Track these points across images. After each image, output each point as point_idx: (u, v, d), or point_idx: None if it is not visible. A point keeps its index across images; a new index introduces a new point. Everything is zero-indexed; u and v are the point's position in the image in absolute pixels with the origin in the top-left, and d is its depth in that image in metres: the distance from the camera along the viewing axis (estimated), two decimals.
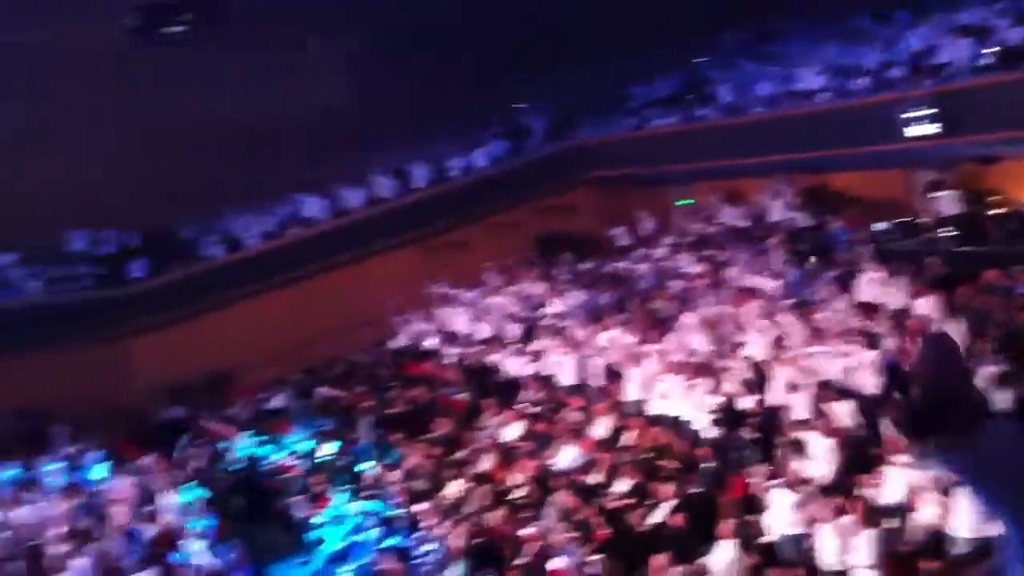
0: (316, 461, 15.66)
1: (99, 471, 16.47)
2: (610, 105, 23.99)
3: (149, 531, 13.32)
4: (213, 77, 21.76)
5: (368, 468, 14.64)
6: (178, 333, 21.45)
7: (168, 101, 21.63)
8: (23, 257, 22.26)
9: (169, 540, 13.10)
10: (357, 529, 13.10)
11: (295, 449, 16.38)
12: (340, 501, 13.93)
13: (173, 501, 14.25)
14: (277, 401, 19.17)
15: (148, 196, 21.56)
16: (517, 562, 11.10)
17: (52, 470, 16.56)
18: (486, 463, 13.51)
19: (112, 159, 21.57)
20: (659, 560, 10.14)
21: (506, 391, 16.03)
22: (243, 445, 17.07)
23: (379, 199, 23.96)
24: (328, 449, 15.83)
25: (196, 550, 12.61)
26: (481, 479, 13.05)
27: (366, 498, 13.83)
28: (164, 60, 21.60)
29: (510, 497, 12.50)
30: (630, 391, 14.21)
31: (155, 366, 20.79)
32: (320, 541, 13.45)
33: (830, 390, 11.73)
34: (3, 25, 19.57)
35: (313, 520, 14.01)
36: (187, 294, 21.86)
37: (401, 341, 20.51)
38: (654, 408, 13.65)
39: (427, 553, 11.82)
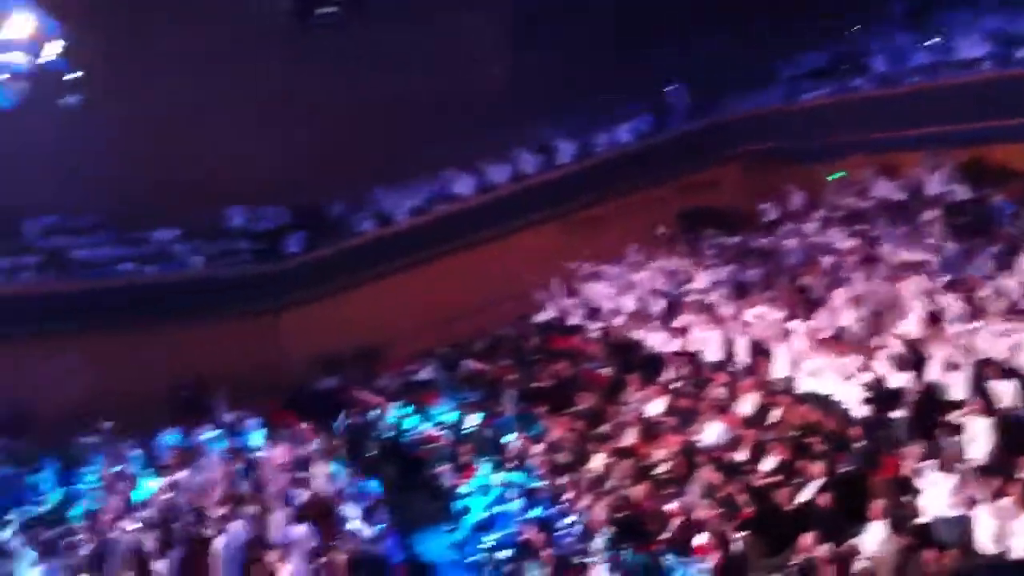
0: (462, 432, 15.94)
1: (256, 438, 17.15)
2: (758, 78, 23.47)
3: (302, 496, 13.79)
4: (366, 56, 22.27)
5: (512, 440, 14.82)
6: (331, 306, 22.18)
7: (324, 81, 22.26)
8: (185, 233, 23.35)
9: (321, 505, 13.55)
10: (501, 499, 13.30)
11: (441, 420, 16.72)
12: (485, 472, 14.16)
13: (326, 468, 14.72)
14: (424, 373, 19.59)
15: (303, 173, 22.24)
16: (660, 537, 11.09)
17: (212, 436, 17.36)
18: (629, 437, 13.51)
19: (270, 137, 22.31)
20: (806, 539, 9.97)
21: (649, 366, 15.96)
22: (392, 415, 17.52)
23: (524, 175, 24.10)
24: (473, 421, 16.10)
25: (350, 515, 12.98)
26: (624, 453, 13.07)
27: (510, 469, 14.02)
28: (320, 40, 22.19)
29: (654, 472, 12.48)
30: (778, 368, 13.97)
31: (309, 337, 21.56)
32: (466, 510, 13.71)
33: (992, 368, 11.26)
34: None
35: (459, 489, 14.30)
36: (339, 269, 22.56)
37: (545, 316, 20.64)
38: (802, 386, 13.38)
39: (570, 525, 11.91)
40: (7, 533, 13.83)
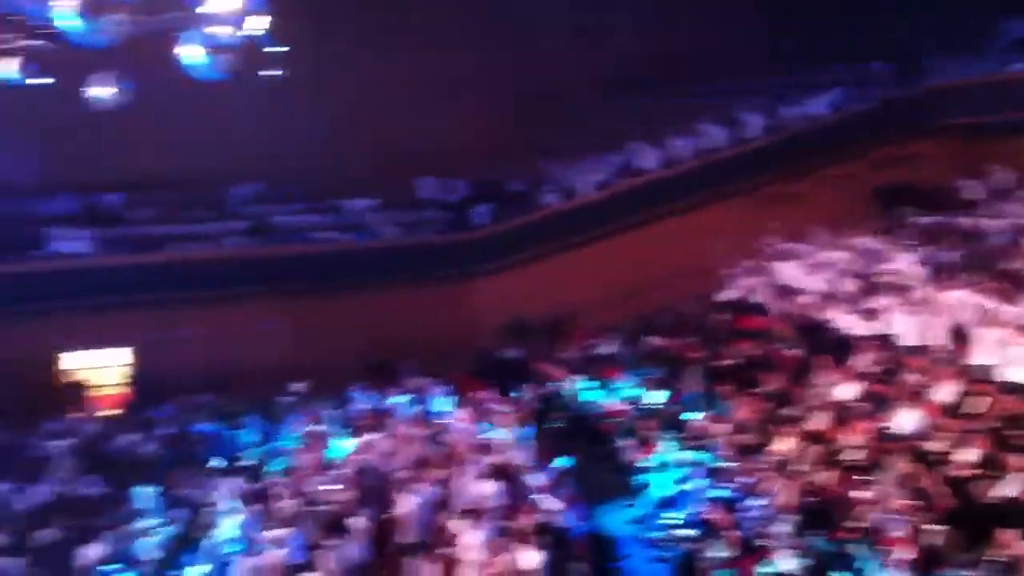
0: (644, 408, 15.95)
1: (443, 404, 17.65)
2: (961, 47, 22.30)
3: (486, 462, 14.11)
4: (550, 32, 22.43)
5: (696, 418, 14.73)
6: (517, 277, 22.56)
7: (515, 58, 22.56)
8: (380, 203, 24.16)
9: (506, 472, 13.84)
10: (684, 478, 13.26)
11: (624, 395, 16.76)
12: (667, 449, 14.13)
13: (511, 437, 15.02)
14: (607, 347, 19.63)
15: (493, 147, 22.64)
16: (849, 525, 10.83)
17: (401, 401, 17.98)
18: (819, 421, 13.20)
19: (461, 112, 22.81)
20: (1007, 535, 9.55)
21: (840, 348, 15.51)
22: (575, 388, 17.68)
23: (711, 149, 23.74)
24: (656, 397, 16.07)
25: (533, 484, 13.21)
26: (813, 437, 12.78)
27: (693, 448, 13.94)
28: (507, 18, 22.49)
29: (843, 458, 12.16)
30: (979, 355, 13.35)
31: (494, 307, 22.01)
32: (647, 486, 13.73)
33: None
34: None
35: (640, 465, 14.33)
36: (526, 240, 22.88)
37: (731, 293, 20.32)
38: (1007, 375, 12.75)
39: (755, 507, 11.77)
40: (214, 485, 14.77)
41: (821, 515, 11.11)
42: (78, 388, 21.33)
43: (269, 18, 17.73)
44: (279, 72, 20.54)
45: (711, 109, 23.84)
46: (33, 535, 13.40)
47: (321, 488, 13.72)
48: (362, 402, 18.30)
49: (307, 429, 16.56)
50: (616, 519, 13.81)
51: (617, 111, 22.84)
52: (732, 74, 22.98)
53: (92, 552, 12.58)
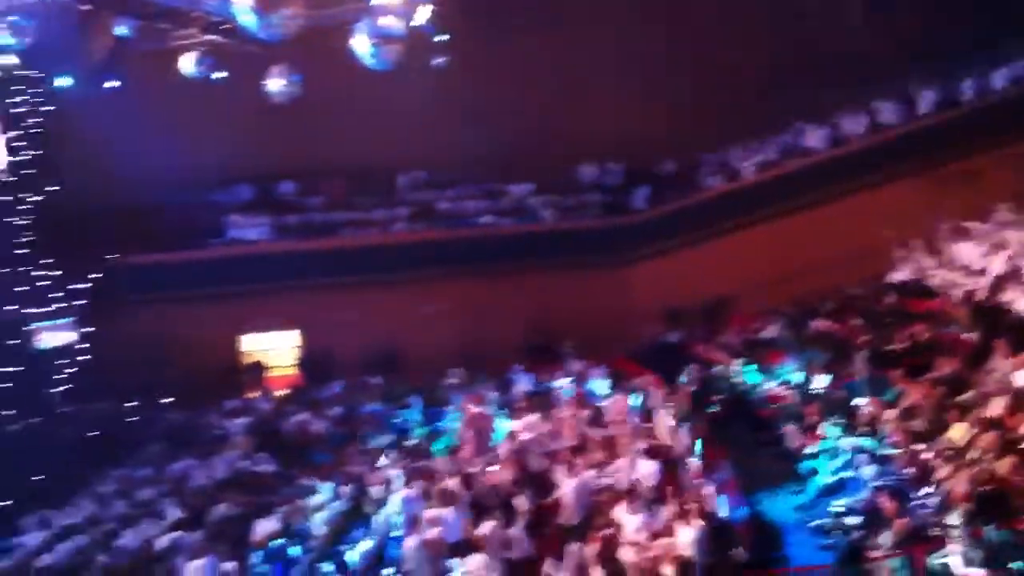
0: (808, 393, 15.57)
1: (602, 387, 17.67)
2: None
3: (645, 445, 14.05)
4: (718, 13, 22.11)
5: (863, 404, 14.28)
6: (676, 260, 22.40)
7: (668, 39, 22.34)
8: (539, 187, 24.35)
9: (664, 456, 13.77)
10: (850, 464, 12.89)
11: (787, 379, 16.40)
12: (833, 434, 13.77)
13: (669, 421, 14.92)
14: (769, 331, 19.24)
15: (653, 129, 22.46)
16: None
17: (562, 383, 18.09)
18: (996, 408, 12.59)
19: (621, 95, 22.72)
20: None
21: (1019, 332, 14.74)
22: (735, 372, 17.42)
23: (882, 126, 22.86)
24: (820, 382, 15.66)
25: (693, 468, 13.11)
26: (989, 424, 12.20)
27: (860, 434, 13.53)
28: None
29: (1022, 446, 11.58)
30: None
31: (654, 291, 21.91)
32: (812, 472, 13.42)
33: None
34: None
35: (805, 451, 14.01)
36: (685, 224, 22.66)
37: (901, 275, 19.55)
38: None
39: (925, 496, 11.36)
40: (383, 462, 15.25)
41: (996, 504, 10.61)
42: (254, 369, 22.39)
43: (434, 7, 18.18)
44: (444, 59, 20.95)
45: (883, 86, 22.93)
46: (210, 509, 14.10)
47: (482, 469, 13.96)
48: (523, 384, 18.51)
49: (469, 411, 16.86)
50: (780, 505, 13.54)
51: (784, 90, 22.24)
52: (905, 48, 22.04)
53: (265, 527, 13.13)
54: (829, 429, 13.93)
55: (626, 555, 10.98)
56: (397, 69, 16.90)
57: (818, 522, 12.47)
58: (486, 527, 11.86)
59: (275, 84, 18.70)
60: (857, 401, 14.44)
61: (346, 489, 14.47)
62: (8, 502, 15.69)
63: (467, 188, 24.63)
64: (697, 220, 22.72)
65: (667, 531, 11.31)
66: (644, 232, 23.11)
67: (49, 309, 19.79)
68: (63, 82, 20.77)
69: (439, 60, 20.88)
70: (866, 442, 13.17)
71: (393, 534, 12.71)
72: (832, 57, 21.71)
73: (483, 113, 22.22)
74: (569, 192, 24.48)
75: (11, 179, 19.71)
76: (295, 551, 12.55)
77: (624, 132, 22.65)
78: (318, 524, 13.41)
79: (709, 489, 12.34)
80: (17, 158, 19.99)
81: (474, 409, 16.81)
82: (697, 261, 22.14)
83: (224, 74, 19.47)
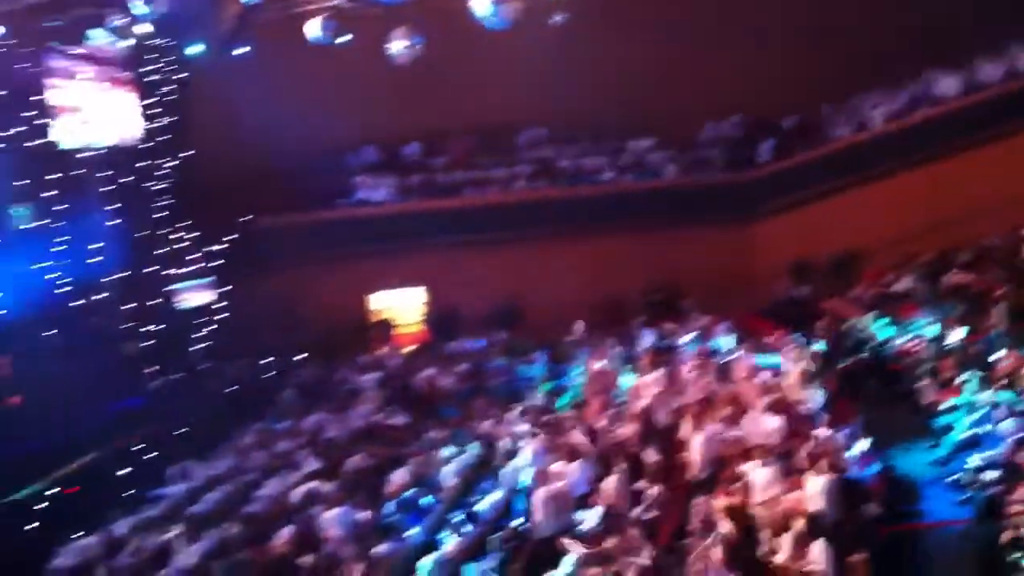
0: (944, 347, 15.16)
1: (728, 342, 17.52)
2: None
3: (773, 400, 13.90)
4: None
5: (1000, 357, 13.84)
6: (804, 214, 21.93)
7: None
8: (660, 142, 24.11)
9: (794, 410, 13.60)
10: (987, 419, 12.55)
11: (921, 333, 15.99)
12: (970, 389, 13.40)
13: (797, 377, 14.72)
14: (902, 284, 18.76)
15: (777, 80, 21.98)
16: None
17: (685, 339, 18.01)
18: None
19: (741, 47, 22.25)
20: None
21: None
22: (867, 326, 17.05)
23: (1019, 73, 21.80)
24: (956, 335, 15.23)
25: (822, 424, 12.93)
26: None
27: (998, 388, 13.14)
28: None
29: None
30: None
31: (783, 246, 21.56)
32: (948, 428, 13.11)
33: None
34: None
35: (941, 406, 13.67)
36: (814, 176, 22.15)
37: None
38: None
39: None
40: (509, 416, 15.48)
41: None
42: (383, 326, 22.94)
43: None
44: (563, 16, 20.86)
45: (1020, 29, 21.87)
46: (344, 461, 14.55)
47: (608, 424, 14.03)
48: (647, 340, 18.47)
49: (594, 366, 16.94)
50: (915, 461, 13.28)
51: (915, 36, 21.41)
52: None
53: (397, 478, 13.48)
54: (966, 383, 13.56)
55: (754, 510, 10.94)
56: (516, 27, 16.95)
57: (954, 477, 12.20)
58: (613, 481, 11.95)
59: (398, 46, 19.00)
60: (995, 355, 14.01)
61: (474, 442, 14.73)
62: (155, 454, 16.46)
63: (588, 145, 24.55)
64: (825, 173, 22.16)
65: (796, 486, 11.21)
66: (770, 186, 22.69)
67: (188, 270, 20.60)
68: (195, 50, 21.44)
69: (558, 17, 20.79)
70: (1004, 396, 12.79)
71: (520, 486, 12.90)
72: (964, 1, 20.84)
73: (603, 69, 22.07)
74: (691, 147, 24.18)
75: (148, 146, 20.43)
76: (427, 501, 12.86)
77: (746, 84, 22.25)
78: (448, 476, 13.69)
79: (840, 444, 12.16)
80: (153, 125, 20.72)
81: (598, 365, 16.90)
82: (825, 215, 21.64)
83: (349, 38, 19.84)
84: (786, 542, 9.86)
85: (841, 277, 20.51)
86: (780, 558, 9.83)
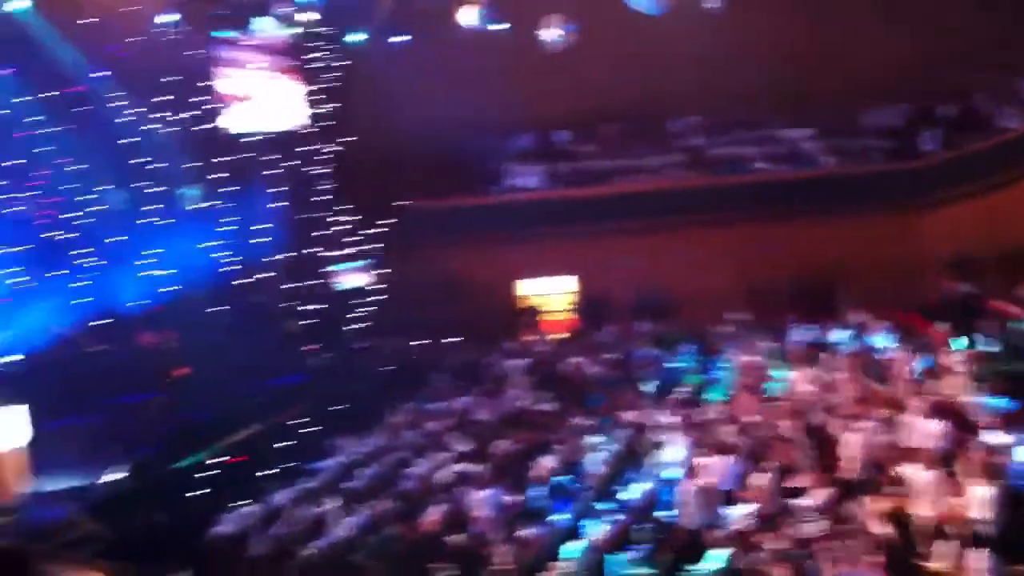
0: None
1: (886, 340, 16.97)
2: None
3: (934, 401, 13.42)
4: None
5: None
6: (971, 207, 21.00)
7: None
8: (817, 131, 23.49)
9: (952, 412, 13.10)
10: None
11: None
12: None
13: (959, 378, 14.18)
14: None
15: (943, 65, 21.14)
16: None
17: (840, 335, 17.53)
18: None
19: (900, 35, 21.51)
20: None
21: None
22: None
23: None
24: None
25: (984, 426, 12.42)
26: None
27: None
28: None
29: None
30: None
31: (945, 239, 20.72)
32: None
33: None
34: None
35: None
36: (982, 167, 21.18)
37: None
38: None
39: None
40: (654, 408, 15.42)
41: None
42: (532, 312, 23.13)
43: None
44: (718, 3, 20.58)
45: None
46: (493, 444, 14.77)
47: (758, 419, 13.83)
48: (800, 335, 18.08)
49: (744, 359, 16.69)
50: None
51: None
52: None
53: (545, 463, 13.61)
54: None
55: (914, 513, 10.63)
56: (670, 12, 16.78)
57: None
58: (762, 478, 11.79)
59: (551, 33, 19.08)
60: None
61: (622, 431, 14.73)
62: (313, 429, 17.05)
63: (741, 133, 24.12)
64: (996, 163, 21.14)
65: (958, 492, 10.83)
66: (934, 176, 21.82)
67: (346, 252, 21.22)
68: (355, 37, 22.00)
69: (713, 1, 20.53)
70: None
71: (667, 477, 12.84)
72: None
73: (758, 55, 21.64)
74: (849, 135, 23.47)
75: (311, 131, 21.10)
76: (573, 488, 12.94)
77: (911, 68, 21.46)
78: (594, 464, 13.74)
79: (1005, 451, 11.66)
80: (316, 110, 21.38)
81: (748, 358, 16.65)
82: (994, 207, 20.64)
83: (504, 26, 20.03)
84: (946, 549, 9.56)
85: (1010, 273, 19.56)
86: (939, 565, 9.54)
